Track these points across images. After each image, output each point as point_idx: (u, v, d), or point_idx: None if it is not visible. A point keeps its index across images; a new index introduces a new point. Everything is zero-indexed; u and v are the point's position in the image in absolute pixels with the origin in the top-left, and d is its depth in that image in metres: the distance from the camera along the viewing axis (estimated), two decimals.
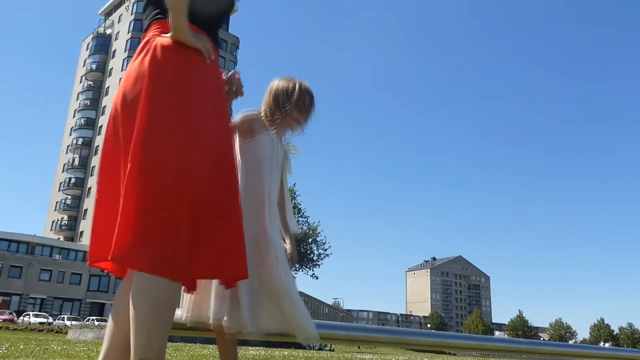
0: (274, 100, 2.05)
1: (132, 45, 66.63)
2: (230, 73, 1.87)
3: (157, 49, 1.48)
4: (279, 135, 2.07)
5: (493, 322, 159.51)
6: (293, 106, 2.03)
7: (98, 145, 66.39)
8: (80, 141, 69.46)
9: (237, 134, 1.99)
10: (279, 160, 2.05)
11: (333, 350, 30.06)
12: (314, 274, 38.20)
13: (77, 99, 74.27)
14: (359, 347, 42.10)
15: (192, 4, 1.46)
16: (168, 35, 1.50)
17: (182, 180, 1.40)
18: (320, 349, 34.88)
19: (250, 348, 13.71)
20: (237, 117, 2.02)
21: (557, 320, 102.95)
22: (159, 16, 1.58)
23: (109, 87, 68.83)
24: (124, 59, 66.83)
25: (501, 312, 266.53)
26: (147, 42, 1.53)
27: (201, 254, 1.44)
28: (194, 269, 1.45)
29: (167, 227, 1.38)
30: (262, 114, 2.07)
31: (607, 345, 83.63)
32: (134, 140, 1.40)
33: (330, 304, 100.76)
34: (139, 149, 1.39)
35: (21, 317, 36.46)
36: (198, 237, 1.44)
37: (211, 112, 1.50)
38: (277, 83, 2.09)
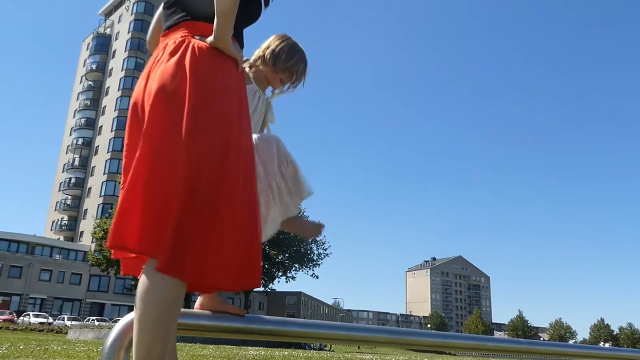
0: (272, 53, 2.03)
1: (132, 45, 66.66)
2: None
3: (196, 51, 1.51)
4: (260, 88, 2.08)
5: (493, 322, 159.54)
6: (287, 68, 2.04)
7: (98, 146, 66.42)
8: (80, 141, 69.43)
9: None
10: (262, 111, 2.07)
11: (333, 351, 30.06)
12: (314, 273, 38.20)
13: (77, 99, 74.27)
14: (359, 347, 42.13)
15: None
16: (208, 40, 1.53)
17: (218, 183, 1.43)
18: (320, 349, 34.88)
19: (250, 348, 13.70)
20: None
21: (557, 320, 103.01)
22: (187, 18, 1.60)
23: (109, 87, 68.80)
24: (124, 59, 66.82)
25: (501, 312, 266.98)
26: (182, 41, 1.54)
27: (226, 260, 1.44)
28: (213, 275, 1.44)
29: (196, 228, 1.38)
30: (249, 63, 2.07)
31: (607, 345, 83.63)
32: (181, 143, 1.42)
33: (330, 304, 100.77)
34: (181, 150, 1.41)
35: (21, 317, 36.45)
36: (225, 243, 1.44)
37: (242, 118, 1.55)
38: (281, 40, 2.08)
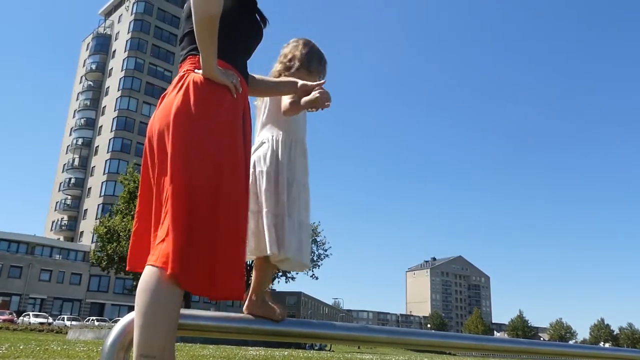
0: (306, 59, 2.20)
1: (132, 46, 66.61)
2: (319, 84, 1.99)
3: (190, 86, 1.62)
4: None
5: (493, 322, 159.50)
6: (319, 70, 2.24)
7: (98, 146, 66.38)
8: (80, 141, 69.37)
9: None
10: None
11: (333, 351, 30.04)
12: (313, 274, 38.16)
13: (77, 99, 74.20)
14: (359, 347, 42.10)
15: (222, 43, 1.62)
16: (199, 71, 1.64)
17: (208, 208, 1.53)
18: (320, 349, 34.86)
19: (250, 348, 13.71)
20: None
21: (557, 320, 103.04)
22: (193, 52, 1.70)
23: (108, 87, 68.76)
24: (123, 59, 66.78)
25: (501, 312, 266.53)
26: (182, 76, 1.67)
27: (219, 270, 1.54)
28: (208, 283, 1.54)
29: (197, 241, 1.51)
30: (279, 71, 2.20)
31: (607, 345, 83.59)
32: (169, 169, 1.56)
33: (330, 304, 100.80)
34: (171, 177, 1.54)
35: (21, 318, 36.42)
36: (217, 254, 1.54)
37: (234, 143, 1.64)
38: (306, 44, 2.24)
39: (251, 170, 2.03)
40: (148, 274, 1.48)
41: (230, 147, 1.61)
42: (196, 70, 1.65)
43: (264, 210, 1.95)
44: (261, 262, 1.99)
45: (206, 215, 1.53)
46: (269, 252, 1.89)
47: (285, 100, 2.06)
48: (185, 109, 1.58)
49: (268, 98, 2.16)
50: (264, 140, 2.09)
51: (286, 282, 39.68)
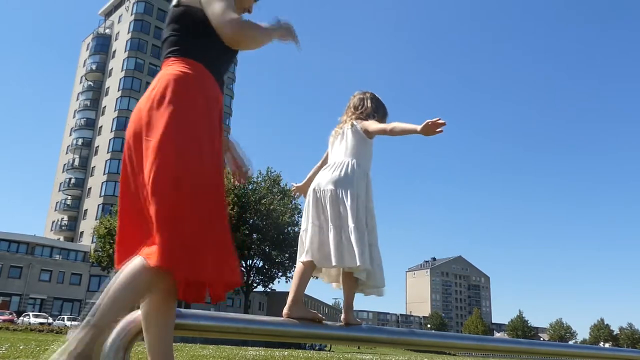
0: (377, 106, 2.61)
1: (132, 46, 66.58)
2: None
3: (166, 84, 1.68)
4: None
5: (493, 322, 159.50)
6: (384, 116, 2.64)
7: (98, 146, 66.36)
8: (80, 142, 69.33)
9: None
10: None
11: (333, 351, 30.03)
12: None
13: (77, 100, 74.15)
14: (358, 347, 42.11)
15: (203, 50, 1.75)
16: (175, 69, 1.73)
17: (191, 200, 1.57)
18: (320, 349, 34.87)
19: (250, 348, 13.71)
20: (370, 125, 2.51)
21: (557, 320, 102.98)
22: (169, 55, 1.79)
23: (108, 87, 68.74)
24: (123, 59, 66.76)
25: (501, 312, 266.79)
26: (159, 78, 1.74)
27: (210, 263, 1.58)
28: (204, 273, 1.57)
29: (192, 235, 1.55)
30: (361, 113, 2.58)
31: (607, 345, 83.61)
32: (150, 170, 1.59)
33: (331, 304, 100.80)
34: (152, 172, 1.57)
35: (21, 318, 36.38)
36: (206, 246, 1.58)
37: (211, 137, 1.69)
38: (374, 97, 2.64)
39: (315, 185, 2.33)
40: (135, 261, 1.54)
41: (208, 141, 1.67)
42: (175, 69, 1.72)
43: (332, 225, 2.20)
44: (305, 267, 2.22)
45: (191, 208, 1.56)
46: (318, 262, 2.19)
47: (374, 126, 2.44)
48: (161, 107, 1.64)
49: (345, 128, 2.51)
50: (339, 162, 2.38)
51: (286, 282, 39.69)
